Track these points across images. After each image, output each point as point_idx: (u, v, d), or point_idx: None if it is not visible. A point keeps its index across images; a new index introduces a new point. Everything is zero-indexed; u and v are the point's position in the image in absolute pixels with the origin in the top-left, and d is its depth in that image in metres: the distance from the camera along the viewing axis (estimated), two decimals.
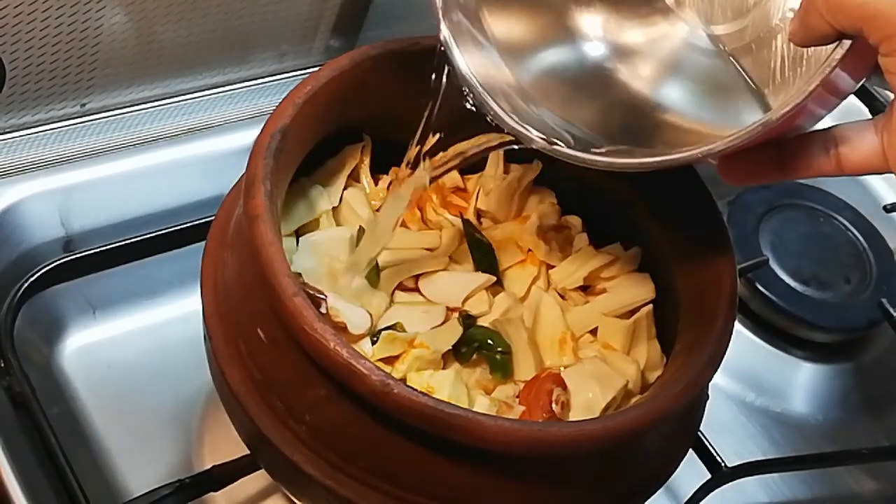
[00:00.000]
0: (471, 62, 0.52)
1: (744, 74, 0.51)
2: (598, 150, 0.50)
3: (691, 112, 0.53)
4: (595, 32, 0.55)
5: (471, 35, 0.52)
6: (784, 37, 0.48)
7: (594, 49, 0.55)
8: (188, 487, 0.61)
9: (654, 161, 0.47)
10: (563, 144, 0.50)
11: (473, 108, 0.52)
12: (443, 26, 0.52)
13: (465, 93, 0.52)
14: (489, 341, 0.58)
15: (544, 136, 0.50)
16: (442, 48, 0.52)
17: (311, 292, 0.54)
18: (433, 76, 0.52)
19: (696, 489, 0.70)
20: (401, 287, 0.61)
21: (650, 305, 0.61)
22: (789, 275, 0.86)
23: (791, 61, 0.48)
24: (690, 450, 0.59)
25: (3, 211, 0.72)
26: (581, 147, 0.50)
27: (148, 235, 0.72)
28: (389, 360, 0.57)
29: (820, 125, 0.47)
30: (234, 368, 0.53)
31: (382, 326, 0.57)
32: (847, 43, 0.41)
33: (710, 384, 0.54)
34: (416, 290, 0.61)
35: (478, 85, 0.52)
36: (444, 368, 0.57)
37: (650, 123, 0.53)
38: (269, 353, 0.51)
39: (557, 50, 0.54)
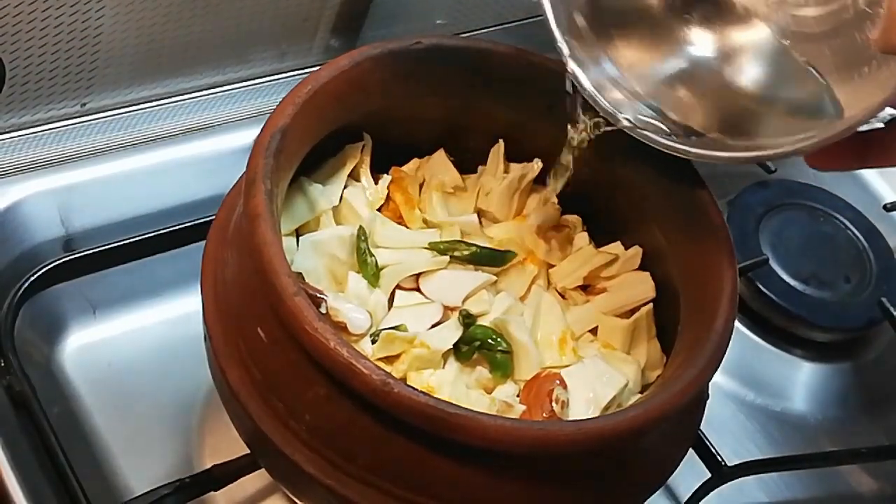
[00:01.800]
0: (590, 77, 0.55)
1: (812, 67, 0.53)
2: (695, 141, 0.53)
3: (777, 107, 0.55)
4: (691, 38, 0.57)
5: (589, 54, 0.56)
6: (862, 28, 0.49)
7: (692, 52, 0.57)
8: (188, 487, 0.61)
9: (746, 155, 0.51)
10: (670, 136, 0.53)
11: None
12: (568, 57, 0.55)
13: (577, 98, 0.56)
14: (490, 340, 0.58)
15: (654, 127, 0.54)
16: (570, 75, 0.55)
17: (311, 292, 0.54)
18: (568, 104, 0.56)
19: (696, 488, 0.70)
20: (401, 286, 0.61)
21: (650, 305, 0.61)
22: (789, 274, 0.86)
23: (864, 56, 0.49)
24: (690, 449, 0.59)
25: (4, 211, 0.72)
26: (681, 139, 0.53)
27: (148, 235, 0.72)
28: (389, 360, 0.57)
29: None
30: (234, 368, 0.53)
31: (383, 326, 0.58)
32: None
33: (710, 383, 0.54)
34: (417, 289, 0.61)
35: (598, 96, 0.55)
36: (444, 368, 0.57)
37: (745, 118, 0.55)
38: (269, 352, 0.51)
39: (659, 53, 0.58)
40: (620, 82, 0.56)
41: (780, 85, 0.55)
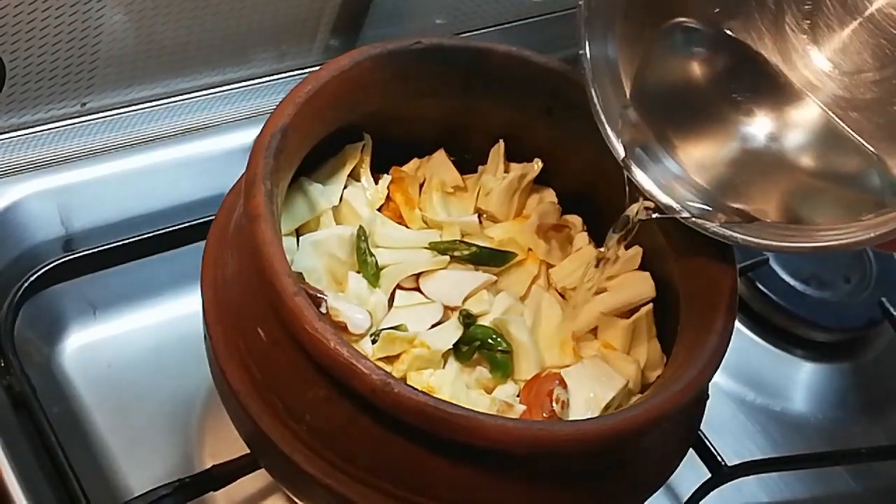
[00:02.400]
0: (649, 175, 0.54)
1: (865, 142, 0.51)
2: (758, 230, 0.52)
3: (839, 189, 0.53)
4: (744, 120, 0.55)
5: (644, 147, 0.55)
6: None
7: (746, 135, 0.55)
8: (188, 487, 0.61)
9: (811, 246, 0.49)
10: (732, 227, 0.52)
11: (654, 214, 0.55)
12: (624, 159, 0.54)
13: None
14: (490, 340, 0.58)
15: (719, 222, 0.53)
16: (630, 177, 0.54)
17: (311, 292, 0.54)
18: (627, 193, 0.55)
19: (696, 488, 0.70)
20: (401, 286, 0.61)
21: (650, 305, 0.61)
22: (789, 274, 0.86)
23: None
24: (690, 449, 0.59)
25: (3, 211, 0.72)
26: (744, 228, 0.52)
27: (148, 235, 0.72)
28: (389, 360, 0.57)
29: None
30: (234, 368, 0.53)
31: (383, 326, 0.58)
32: None
33: (710, 383, 0.54)
34: (417, 289, 0.61)
35: (658, 194, 0.54)
36: (444, 368, 0.57)
37: (806, 201, 0.54)
38: (269, 352, 0.51)
39: (714, 140, 0.56)
40: (678, 174, 0.54)
41: (836, 164, 0.53)
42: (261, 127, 0.54)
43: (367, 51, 0.58)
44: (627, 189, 0.55)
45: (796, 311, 0.84)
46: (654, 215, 0.55)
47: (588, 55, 0.54)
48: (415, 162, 0.66)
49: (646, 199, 0.54)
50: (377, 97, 0.59)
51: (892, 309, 0.84)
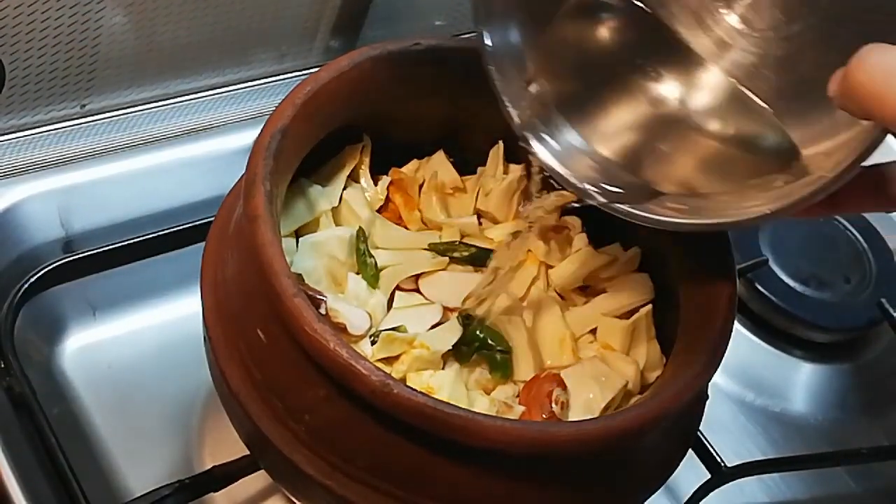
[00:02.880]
0: (551, 149, 0.53)
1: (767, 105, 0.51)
2: (661, 208, 0.51)
3: (746, 158, 0.52)
4: (650, 90, 0.55)
5: (546, 122, 0.54)
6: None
7: (652, 105, 0.55)
8: (188, 488, 0.61)
9: (715, 222, 0.48)
10: (641, 206, 0.51)
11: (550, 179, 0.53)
12: (524, 132, 0.53)
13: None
14: (489, 341, 0.58)
15: (606, 197, 0.51)
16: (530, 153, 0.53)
17: (310, 293, 0.54)
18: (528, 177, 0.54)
19: (695, 489, 0.70)
20: (400, 287, 0.61)
21: (650, 305, 0.61)
22: (789, 275, 0.86)
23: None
24: (690, 450, 0.59)
25: (3, 211, 0.72)
26: (642, 203, 0.51)
27: (148, 236, 0.72)
28: (389, 361, 0.57)
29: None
30: (234, 368, 0.53)
31: (382, 327, 0.58)
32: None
33: (710, 384, 0.54)
34: (416, 290, 0.61)
35: (563, 172, 0.53)
36: (443, 369, 0.57)
37: (716, 173, 0.53)
38: (269, 353, 0.52)
39: (620, 111, 0.55)
40: (581, 148, 0.54)
41: (740, 130, 0.53)
42: (260, 128, 0.54)
43: (366, 52, 0.58)
44: (528, 175, 0.54)
45: (796, 312, 0.84)
46: (565, 203, 0.54)
47: (488, 40, 0.53)
48: (414, 163, 0.66)
49: (545, 175, 0.53)
50: (377, 98, 0.60)
51: (891, 309, 0.84)
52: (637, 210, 0.51)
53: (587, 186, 0.52)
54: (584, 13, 0.54)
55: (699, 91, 0.54)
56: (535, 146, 0.53)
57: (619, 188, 0.52)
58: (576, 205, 0.54)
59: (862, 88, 0.40)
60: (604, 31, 0.55)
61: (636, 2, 0.53)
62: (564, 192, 0.53)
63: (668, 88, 0.54)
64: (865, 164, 0.44)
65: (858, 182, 0.44)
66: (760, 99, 0.51)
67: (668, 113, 0.54)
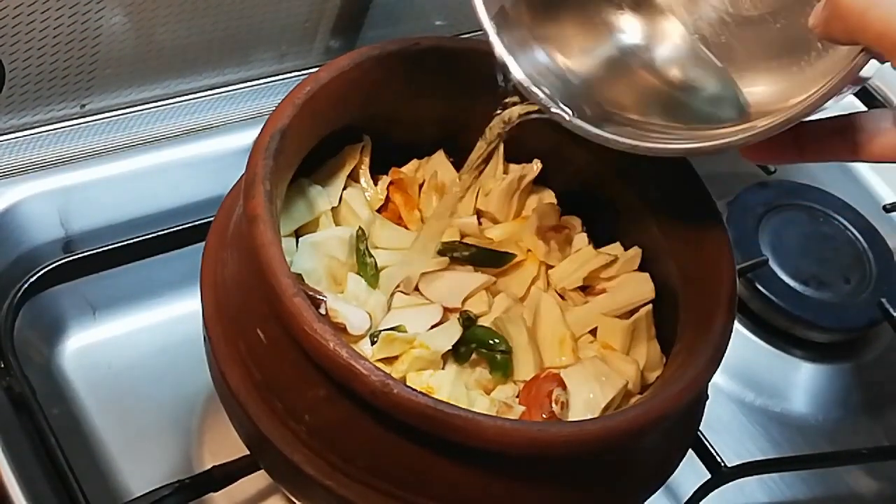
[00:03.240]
0: (521, 65, 0.53)
1: (718, 60, 0.52)
2: (629, 131, 0.51)
3: (705, 98, 0.53)
4: (620, 24, 0.56)
5: (519, 40, 0.54)
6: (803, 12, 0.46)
7: (620, 38, 0.56)
8: (188, 488, 0.61)
9: (678, 147, 0.49)
10: (601, 125, 0.51)
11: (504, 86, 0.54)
12: (495, 39, 0.53)
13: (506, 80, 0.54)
14: (489, 341, 0.58)
15: (570, 112, 0.52)
16: (499, 64, 0.53)
17: (310, 293, 0.54)
18: (500, 83, 0.54)
19: (695, 489, 0.70)
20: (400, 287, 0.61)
21: (650, 305, 0.61)
22: (789, 275, 0.86)
23: (806, 44, 0.48)
24: (690, 450, 0.59)
25: (3, 211, 0.72)
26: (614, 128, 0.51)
27: (148, 236, 0.72)
28: (389, 361, 0.57)
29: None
30: (234, 369, 0.53)
31: (382, 327, 0.58)
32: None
33: (710, 384, 0.54)
34: (416, 290, 0.61)
35: (530, 85, 0.53)
36: (443, 369, 0.57)
37: (676, 110, 0.54)
38: (269, 353, 0.51)
39: (589, 40, 0.56)
40: (552, 69, 0.54)
41: (700, 78, 0.53)
42: (261, 127, 0.54)
43: (366, 52, 0.58)
44: (500, 90, 0.54)
45: (796, 312, 0.84)
46: (528, 117, 0.54)
47: None
48: (414, 163, 0.66)
49: (517, 94, 0.54)
50: (376, 98, 0.60)
51: (891, 309, 0.84)
52: (600, 131, 0.51)
53: (556, 102, 0.52)
54: None
55: (661, 37, 0.55)
56: (508, 60, 0.53)
57: (584, 109, 0.52)
58: (538, 115, 0.54)
59: (845, 12, 0.40)
60: None
61: None
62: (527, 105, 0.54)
63: (636, 26, 0.56)
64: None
65: (826, 128, 0.45)
66: (722, 53, 0.52)
67: (632, 49, 0.55)
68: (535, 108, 0.53)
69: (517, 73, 0.53)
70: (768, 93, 0.50)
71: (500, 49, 0.53)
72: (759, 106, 0.50)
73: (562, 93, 0.53)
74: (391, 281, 0.60)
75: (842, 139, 0.47)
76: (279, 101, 0.55)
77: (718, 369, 0.53)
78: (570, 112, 0.52)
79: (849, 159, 0.47)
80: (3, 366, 0.65)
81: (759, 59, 0.51)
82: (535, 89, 0.52)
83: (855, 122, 0.47)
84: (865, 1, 0.40)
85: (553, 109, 0.52)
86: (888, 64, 0.41)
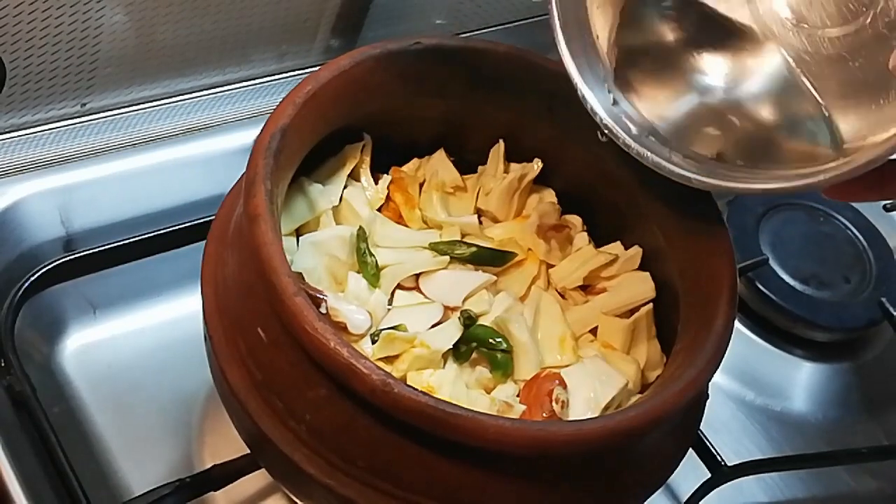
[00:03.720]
0: (602, 105, 0.55)
1: (819, 95, 0.52)
2: (711, 171, 0.52)
3: (792, 138, 0.54)
4: (705, 68, 0.57)
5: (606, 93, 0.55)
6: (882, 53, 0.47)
7: (706, 82, 0.57)
8: (188, 487, 0.61)
9: (764, 187, 0.49)
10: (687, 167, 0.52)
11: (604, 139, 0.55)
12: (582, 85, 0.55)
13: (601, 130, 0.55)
14: (490, 340, 0.58)
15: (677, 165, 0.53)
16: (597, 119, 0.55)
17: (311, 292, 0.54)
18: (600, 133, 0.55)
19: (696, 488, 0.70)
20: (401, 286, 0.61)
21: (650, 305, 0.61)
22: (789, 274, 0.86)
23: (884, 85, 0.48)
24: (690, 449, 0.59)
25: (4, 211, 0.72)
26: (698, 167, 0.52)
27: (148, 235, 0.72)
28: (389, 360, 0.57)
29: None
30: (234, 368, 0.53)
31: (383, 326, 0.58)
32: None
33: (710, 383, 0.54)
34: (417, 289, 0.61)
35: (619, 132, 0.54)
36: (444, 368, 0.57)
37: (761, 150, 0.54)
38: (269, 352, 0.51)
39: (676, 87, 0.57)
40: (639, 120, 0.55)
41: (791, 115, 0.54)
42: (261, 127, 0.54)
43: (367, 51, 0.58)
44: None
45: (796, 312, 0.84)
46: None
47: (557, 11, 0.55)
48: (415, 162, 0.66)
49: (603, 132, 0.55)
50: (377, 97, 0.60)
51: (892, 309, 0.84)
52: (683, 171, 0.52)
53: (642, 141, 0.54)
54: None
55: (752, 73, 0.55)
56: (600, 113, 0.54)
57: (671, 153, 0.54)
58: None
59: None
60: (665, 14, 0.57)
61: None
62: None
63: (722, 69, 0.56)
64: None
65: None
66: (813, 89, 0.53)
67: (720, 93, 0.56)
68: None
69: (615, 128, 0.54)
70: (846, 131, 0.50)
71: (601, 113, 0.54)
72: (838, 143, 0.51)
73: (651, 138, 0.54)
74: (392, 280, 0.60)
75: None
76: (279, 101, 0.55)
77: (719, 369, 0.53)
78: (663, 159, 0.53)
79: None
80: (3, 364, 0.65)
81: (836, 97, 0.51)
82: (630, 143, 0.54)
83: None
84: None
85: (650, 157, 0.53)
86: None
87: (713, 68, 0.56)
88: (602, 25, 0.55)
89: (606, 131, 0.54)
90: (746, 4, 0.54)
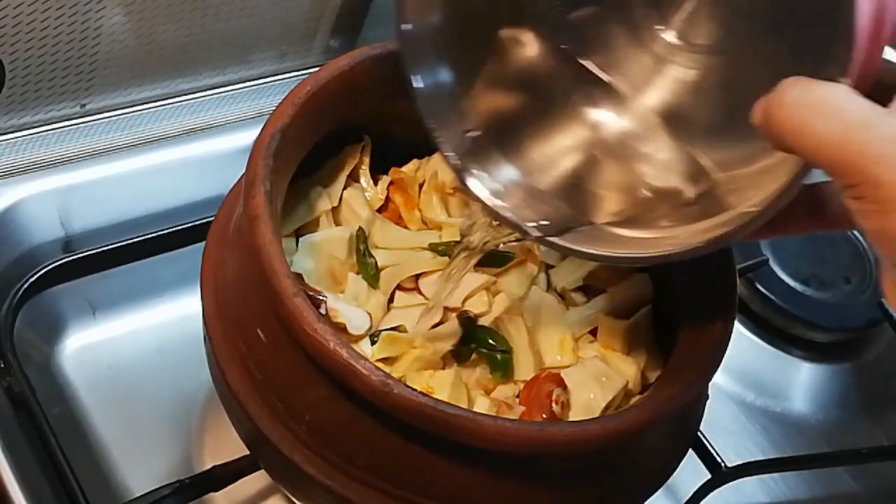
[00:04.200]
0: (488, 186, 0.53)
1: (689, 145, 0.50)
2: (603, 242, 0.50)
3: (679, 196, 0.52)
4: (586, 124, 0.54)
5: (484, 161, 0.53)
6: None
7: (587, 140, 0.54)
8: (188, 487, 0.61)
9: (656, 254, 0.47)
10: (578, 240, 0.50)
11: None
12: (461, 171, 0.53)
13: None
14: (490, 341, 0.58)
15: (541, 231, 0.51)
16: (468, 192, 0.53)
17: (310, 293, 0.54)
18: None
19: (695, 489, 0.70)
20: (400, 287, 0.61)
21: (650, 306, 0.61)
22: (789, 275, 0.86)
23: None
24: (690, 450, 0.59)
25: (3, 211, 0.72)
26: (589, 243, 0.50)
27: (148, 236, 0.72)
28: (389, 361, 0.57)
29: None
30: (234, 368, 0.53)
31: (383, 327, 0.58)
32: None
33: (710, 384, 0.54)
34: (416, 289, 0.61)
35: (500, 208, 0.52)
36: (443, 369, 0.57)
37: (649, 209, 0.52)
38: (269, 353, 0.51)
39: (557, 146, 0.55)
40: (519, 182, 0.53)
41: (672, 167, 0.51)
42: (261, 127, 0.54)
43: (366, 51, 0.58)
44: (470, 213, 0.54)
45: (796, 312, 0.84)
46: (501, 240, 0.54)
47: (419, 83, 0.53)
48: (414, 163, 0.65)
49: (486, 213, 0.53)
50: (377, 97, 0.59)
51: (891, 309, 0.84)
52: (574, 245, 0.50)
53: (524, 224, 0.52)
54: (513, 53, 0.54)
55: (625, 123, 0.53)
56: (473, 184, 0.53)
57: (555, 221, 0.52)
58: (512, 242, 0.54)
59: (781, 124, 0.39)
60: (534, 68, 0.54)
61: (562, 45, 0.53)
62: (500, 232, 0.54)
63: (597, 119, 0.54)
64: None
65: (793, 205, 0.43)
66: (698, 119, 0.51)
67: (599, 143, 0.54)
68: (504, 237, 0.53)
69: (485, 196, 0.52)
70: (731, 157, 0.48)
71: (479, 192, 0.52)
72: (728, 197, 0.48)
73: (530, 209, 0.52)
74: (392, 281, 0.60)
75: (811, 213, 0.46)
76: (279, 101, 0.55)
77: (718, 369, 0.53)
78: (539, 231, 0.51)
79: (822, 230, 0.46)
80: (2, 365, 0.65)
81: (726, 119, 0.50)
82: (511, 217, 0.52)
83: (820, 194, 0.45)
84: (800, 121, 0.38)
85: (524, 228, 0.51)
86: None
87: (595, 124, 0.54)
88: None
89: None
90: (631, 35, 0.52)
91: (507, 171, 0.53)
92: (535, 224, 0.51)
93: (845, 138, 0.37)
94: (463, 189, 0.53)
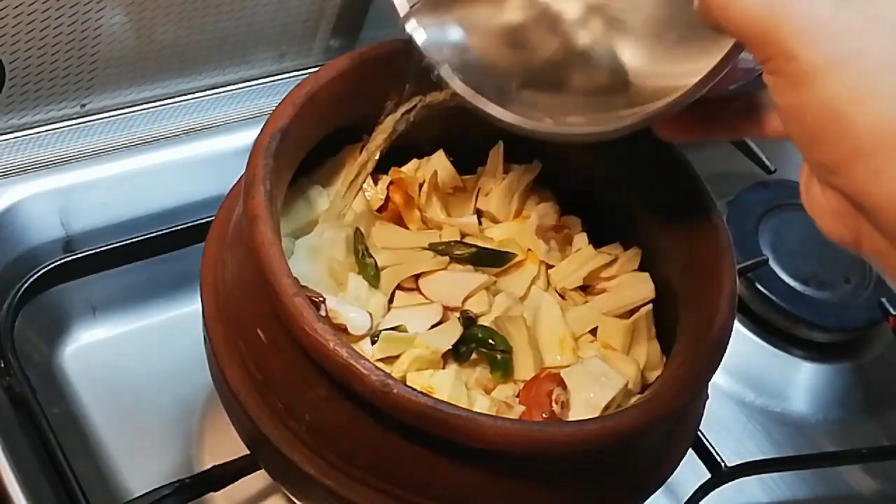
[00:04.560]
0: (439, 50, 0.53)
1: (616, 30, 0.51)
2: (531, 113, 0.51)
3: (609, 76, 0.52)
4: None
5: (437, 24, 0.54)
6: None
7: (523, 13, 0.55)
8: (188, 487, 0.61)
9: (585, 130, 0.49)
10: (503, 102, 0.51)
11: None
12: (408, 23, 0.53)
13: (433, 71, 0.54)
14: (490, 341, 0.58)
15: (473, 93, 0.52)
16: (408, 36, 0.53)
17: (310, 293, 0.54)
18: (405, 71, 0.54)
19: (695, 489, 0.70)
20: (401, 287, 0.61)
21: (650, 305, 0.61)
22: (789, 275, 0.86)
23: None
24: (690, 450, 0.59)
25: (3, 211, 0.72)
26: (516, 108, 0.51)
27: (148, 236, 0.72)
28: (389, 361, 0.57)
29: None
30: (234, 368, 0.53)
31: (383, 327, 0.58)
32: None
33: (710, 384, 0.54)
34: (416, 289, 0.61)
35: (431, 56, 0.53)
36: (443, 368, 0.57)
37: (588, 86, 0.53)
38: (269, 353, 0.52)
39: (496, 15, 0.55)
40: (459, 44, 0.54)
41: (602, 54, 0.52)
42: (261, 127, 0.54)
43: (366, 51, 0.58)
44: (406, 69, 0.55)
45: (796, 312, 0.84)
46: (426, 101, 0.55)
47: None
48: (414, 163, 0.66)
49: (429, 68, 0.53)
50: (377, 98, 0.59)
51: (892, 309, 0.84)
52: (497, 111, 0.51)
53: (440, 64, 0.53)
54: None
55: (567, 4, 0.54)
56: (416, 34, 0.53)
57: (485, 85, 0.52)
58: (440, 99, 0.54)
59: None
60: None
61: None
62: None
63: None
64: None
65: (731, 106, 0.46)
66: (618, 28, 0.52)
67: (538, 21, 0.54)
68: (442, 97, 0.55)
69: (422, 43, 0.53)
70: (665, 71, 0.49)
71: (411, 24, 0.53)
72: (656, 81, 0.50)
73: (464, 70, 0.53)
74: (392, 281, 0.60)
75: (747, 117, 0.47)
76: (279, 101, 0.55)
77: (718, 369, 0.53)
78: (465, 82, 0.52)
79: (755, 136, 0.48)
80: (3, 365, 0.65)
81: (651, 35, 0.50)
82: (444, 70, 0.53)
83: (758, 99, 0.47)
84: None
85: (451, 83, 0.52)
86: None
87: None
88: None
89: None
90: None
91: (452, 30, 0.54)
92: (448, 64, 0.52)
93: (766, 11, 0.38)
94: (407, 43, 0.54)
